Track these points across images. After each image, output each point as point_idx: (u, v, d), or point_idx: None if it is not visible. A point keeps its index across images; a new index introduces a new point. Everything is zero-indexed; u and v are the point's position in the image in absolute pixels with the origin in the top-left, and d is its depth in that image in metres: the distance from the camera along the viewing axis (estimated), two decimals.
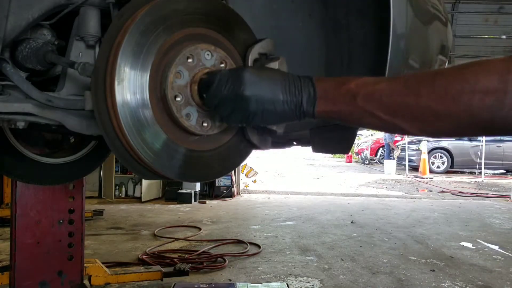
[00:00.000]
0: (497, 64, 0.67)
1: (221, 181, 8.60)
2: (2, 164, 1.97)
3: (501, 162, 14.48)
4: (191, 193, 7.90)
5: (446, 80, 0.70)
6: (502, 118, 0.66)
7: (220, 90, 0.89)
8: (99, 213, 6.31)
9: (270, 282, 3.70)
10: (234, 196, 8.85)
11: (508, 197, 9.64)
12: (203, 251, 4.48)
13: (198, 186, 8.22)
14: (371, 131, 17.84)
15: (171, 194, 8.05)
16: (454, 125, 0.71)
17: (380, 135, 18.53)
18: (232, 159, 1.11)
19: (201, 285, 3.35)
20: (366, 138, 20.27)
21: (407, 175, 14.31)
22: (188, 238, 5.15)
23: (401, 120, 0.75)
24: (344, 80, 0.83)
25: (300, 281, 3.76)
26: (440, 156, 14.90)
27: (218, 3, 1.06)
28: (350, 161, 20.63)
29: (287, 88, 0.86)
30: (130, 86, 0.90)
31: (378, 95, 0.76)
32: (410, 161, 14.80)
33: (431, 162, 14.69)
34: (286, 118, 0.88)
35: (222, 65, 1.00)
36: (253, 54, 1.06)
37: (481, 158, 13.33)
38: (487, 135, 0.72)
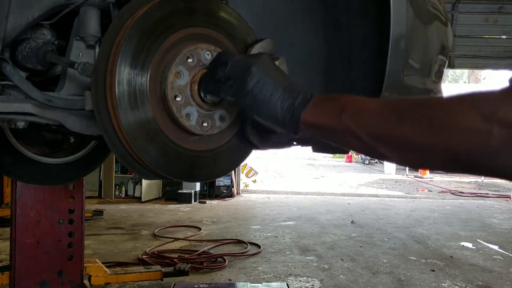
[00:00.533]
0: (485, 101, 0.62)
1: (221, 181, 8.61)
2: (2, 164, 1.97)
3: None
4: (191, 193, 7.91)
5: (432, 112, 0.66)
6: (488, 162, 0.62)
7: (233, 55, 0.92)
8: (99, 213, 6.32)
9: (270, 282, 3.70)
10: (234, 196, 8.85)
11: (508, 197, 9.64)
12: (203, 251, 4.48)
13: (198, 186, 8.23)
14: None
15: (171, 194, 8.05)
16: (437, 160, 0.68)
17: None
18: (232, 159, 1.11)
19: (201, 285, 3.35)
20: None
21: (407, 175, 14.31)
22: (188, 238, 5.15)
23: (382, 145, 0.72)
24: (339, 96, 0.82)
25: (300, 281, 3.76)
26: None
27: (218, 3, 1.06)
28: (350, 161, 20.63)
29: (289, 89, 0.86)
30: (130, 86, 0.90)
31: (363, 115, 0.74)
32: None
33: None
34: (273, 115, 0.86)
35: None
36: None
37: None
38: (474, 175, 0.68)
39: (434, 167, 0.73)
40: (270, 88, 0.86)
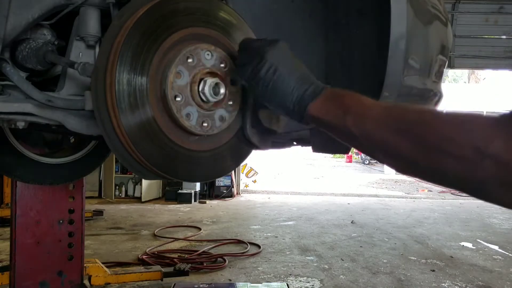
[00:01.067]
0: (479, 132, 0.62)
1: (221, 181, 8.61)
2: (2, 164, 1.97)
3: None
4: (191, 193, 7.91)
5: (427, 133, 0.68)
6: (476, 189, 0.64)
7: (252, 41, 0.95)
8: (99, 213, 6.32)
9: (270, 282, 3.70)
10: (234, 196, 8.85)
11: None
12: (203, 251, 4.48)
13: (198, 186, 8.23)
14: None
15: (171, 194, 8.06)
16: (429, 177, 0.71)
17: None
18: (232, 159, 1.11)
19: (201, 285, 3.35)
20: None
21: None
22: (188, 238, 5.15)
23: (380, 153, 0.76)
24: (345, 95, 0.83)
25: (300, 281, 3.76)
26: None
27: (217, 3, 1.06)
28: (350, 161, 20.63)
29: (302, 79, 0.86)
30: (130, 86, 0.90)
31: (365, 122, 0.76)
32: None
33: None
34: (283, 103, 0.87)
35: (222, 65, 1.00)
36: None
37: None
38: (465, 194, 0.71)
39: (428, 181, 0.76)
40: (283, 76, 0.86)
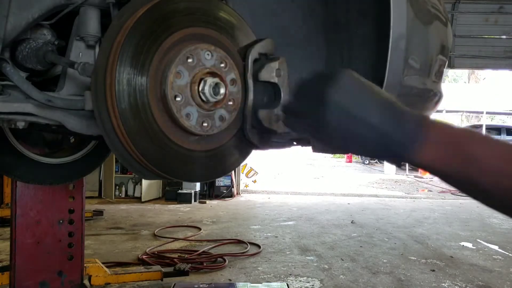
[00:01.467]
0: None
1: (221, 181, 8.61)
2: (2, 164, 1.97)
3: None
4: (191, 193, 7.91)
5: None
6: None
7: (310, 82, 0.73)
8: (99, 213, 6.31)
9: (270, 282, 3.70)
10: (234, 196, 8.85)
11: None
12: (203, 251, 4.48)
13: (198, 186, 8.22)
14: None
15: (171, 194, 8.06)
16: None
17: None
18: (232, 159, 1.11)
19: (201, 285, 3.35)
20: None
21: (407, 175, 14.30)
22: (188, 238, 5.15)
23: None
24: (462, 136, 0.65)
25: (300, 281, 3.76)
26: None
27: (218, 3, 1.06)
28: (350, 161, 20.63)
29: (389, 114, 0.67)
30: (130, 86, 0.90)
31: (501, 180, 0.61)
32: None
33: None
34: (373, 153, 0.70)
35: (222, 65, 1.00)
36: (253, 54, 1.06)
37: None
38: None
39: None
40: (361, 118, 0.67)
